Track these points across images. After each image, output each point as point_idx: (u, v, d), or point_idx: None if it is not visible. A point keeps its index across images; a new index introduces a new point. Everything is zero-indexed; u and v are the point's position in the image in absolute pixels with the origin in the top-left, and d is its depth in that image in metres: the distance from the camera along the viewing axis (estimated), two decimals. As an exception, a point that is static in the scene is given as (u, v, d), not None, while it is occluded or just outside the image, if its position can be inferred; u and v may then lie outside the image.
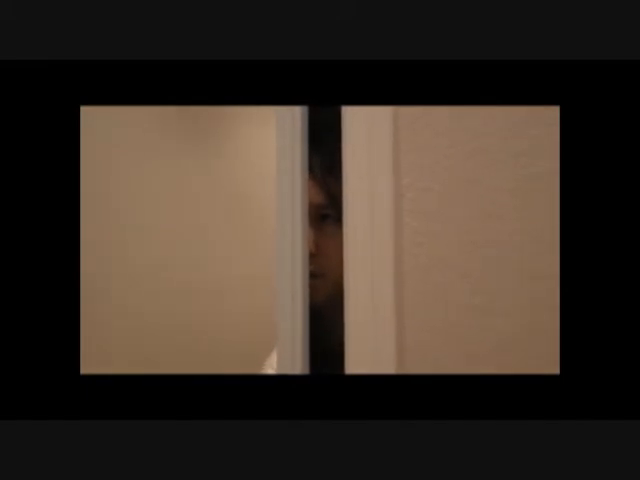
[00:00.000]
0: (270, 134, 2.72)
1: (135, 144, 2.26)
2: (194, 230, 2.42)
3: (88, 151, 1.87)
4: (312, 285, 0.55)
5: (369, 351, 0.45)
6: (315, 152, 0.58)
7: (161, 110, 2.34)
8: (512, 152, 0.40)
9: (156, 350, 2.18)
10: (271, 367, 0.87)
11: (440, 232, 0.43)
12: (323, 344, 0.62)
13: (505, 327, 0.40)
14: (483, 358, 0.41)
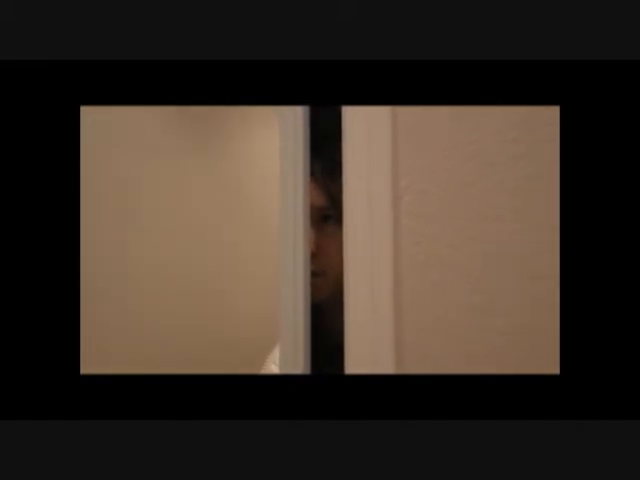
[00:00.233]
0: (270, 134, 2.72)
1: (135, 143, 2.26)
2: (194, 230, 2.42)
3: (88, 151, 1.87)
4: (314, 283, 0.57)
5: (368, 344, 0.46)
6: (317, 156, 0.60)
7: (162, 110, 2.34)
8: (511, 153, 0.40)
9: (156, 350, 2.18)
10: (274, 363, 0.90)
11: (438, 232, 0.43)
12: (324, 339, 0.64)
13: (504, 327, 0.40)
14: (482, 357, 0.41)
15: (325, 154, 0.65)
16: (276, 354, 0.90)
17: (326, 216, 0.75)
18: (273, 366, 0.89)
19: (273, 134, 2.73)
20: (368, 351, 0.46)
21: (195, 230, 2.42)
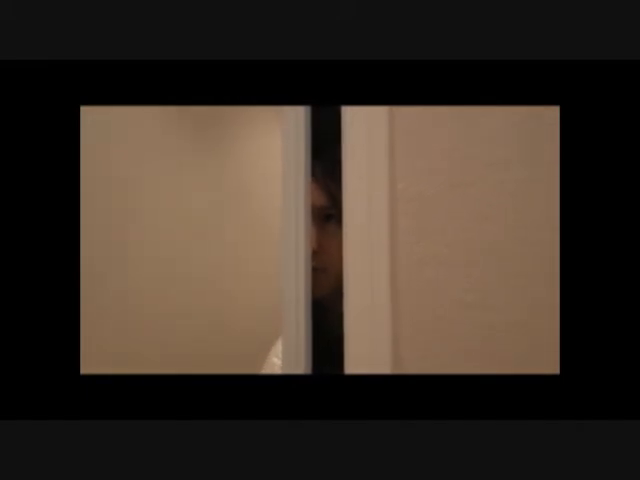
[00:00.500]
0: (270, 134, 2.72)
1: (135, 143, 2.26)
2: (194, 230, 2.42)
3: (88, 151, 1.87)
4: (315, 278, 0.58)
5: (367, 339, 0.47)
6: (318, 158, 0.61)
7: (162, 109, 2.34)
8: (511, 154, 0.40)
9: (156, 350, 2.18)
10: (276, 356, 0.92)
11: (437, 232, 0.43)
12: (325, 332, 0.66)
13: (502, 325, 0.40)
14: (481, 354, 0.41)
15: (326, 154, 0.66)
16: (278, 347, 0.92)
17: (328, 215, 0.77)
18: (275, 359, 0.92)
19: (273, 134, 2.74)
20: (367, 346, 0.47)
21: (195, 230, 2.42)
